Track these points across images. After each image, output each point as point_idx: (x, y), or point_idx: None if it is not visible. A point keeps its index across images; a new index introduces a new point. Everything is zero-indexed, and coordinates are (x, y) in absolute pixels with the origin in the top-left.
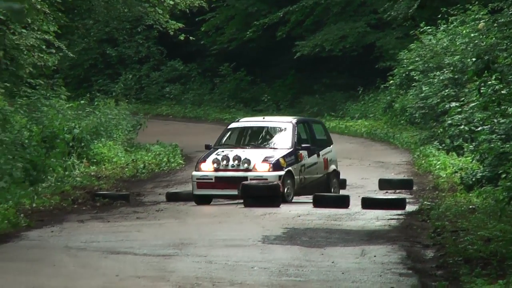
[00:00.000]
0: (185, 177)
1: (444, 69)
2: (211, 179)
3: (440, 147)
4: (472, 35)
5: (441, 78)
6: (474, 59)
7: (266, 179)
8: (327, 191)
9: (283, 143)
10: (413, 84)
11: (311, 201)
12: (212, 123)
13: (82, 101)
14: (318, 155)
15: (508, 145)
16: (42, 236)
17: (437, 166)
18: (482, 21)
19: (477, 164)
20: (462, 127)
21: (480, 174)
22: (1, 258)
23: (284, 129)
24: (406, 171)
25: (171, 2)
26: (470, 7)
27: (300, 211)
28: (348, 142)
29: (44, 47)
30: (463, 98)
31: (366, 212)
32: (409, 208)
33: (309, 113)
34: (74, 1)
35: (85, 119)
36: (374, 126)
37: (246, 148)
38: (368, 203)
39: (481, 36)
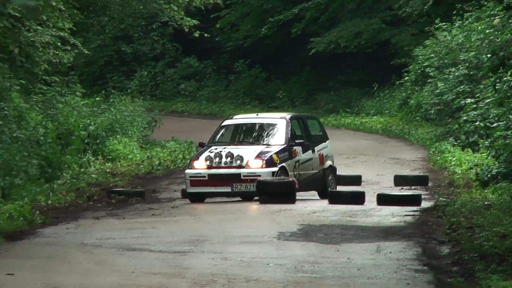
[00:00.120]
0: None
1: (459, 65)
2: (204, 176)
3: (455, 143)
4: (487, 31)
5: (456, 74)
6: (489, 55)
7: (259, 175)
8: (323, 187)
9: (276, 139)
10: (428, 81)
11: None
12: None
13: (98, 98)
14: (313, 151)
15: None
16: (57, 233)
17: (453, 163)
18: (497, 17)
19: (492, 160)
20: (477, 123)
21: (496, 170)
22: (17, 255)
23: (277, 125)
24: (422, 167)
25: None
26: (485, 3)
27: (316, 208)
28: (364, 138)
29: (59, 44)
30: (478, 94)
31: (381, 208)
32: (425, 204)
33: (324, 109)
34: None
35: (100, 116)
36: (390, 123)
37: (240, 145)
38: (384, 200)
39: (496, 32)
